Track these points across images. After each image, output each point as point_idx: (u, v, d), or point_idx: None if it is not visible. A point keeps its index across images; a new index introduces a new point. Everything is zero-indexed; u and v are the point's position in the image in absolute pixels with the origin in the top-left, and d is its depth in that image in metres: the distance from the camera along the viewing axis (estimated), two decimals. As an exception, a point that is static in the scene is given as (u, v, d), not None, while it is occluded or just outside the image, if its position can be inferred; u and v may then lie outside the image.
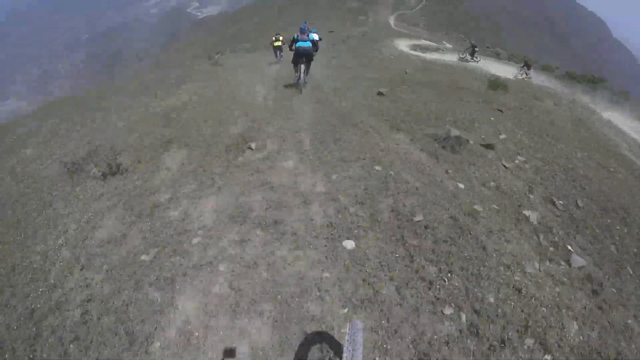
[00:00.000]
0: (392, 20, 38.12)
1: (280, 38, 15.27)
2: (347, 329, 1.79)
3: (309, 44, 8.34)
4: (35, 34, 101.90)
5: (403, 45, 21.90)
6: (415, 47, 21.48)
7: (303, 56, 8.46)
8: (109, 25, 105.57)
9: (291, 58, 8.84)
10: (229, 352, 2.48)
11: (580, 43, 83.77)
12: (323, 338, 2.53)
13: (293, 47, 8.47)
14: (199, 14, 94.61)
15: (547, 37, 72.45)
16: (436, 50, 22.14)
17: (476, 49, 20.51)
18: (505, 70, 18.72)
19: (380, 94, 8.95)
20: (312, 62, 8.99)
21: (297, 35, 8.35)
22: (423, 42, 24.30)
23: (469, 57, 20.34)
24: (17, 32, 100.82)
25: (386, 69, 13.87)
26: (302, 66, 8.69)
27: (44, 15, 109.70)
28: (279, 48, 15.37)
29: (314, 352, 2.43)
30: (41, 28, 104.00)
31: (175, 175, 4.72)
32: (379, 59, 16.62)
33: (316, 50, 9.27)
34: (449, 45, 26.62)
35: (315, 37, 10.92)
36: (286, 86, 9.48)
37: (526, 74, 18.20)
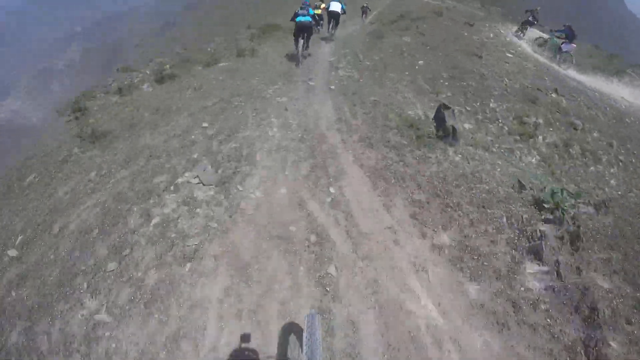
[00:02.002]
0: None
1: (322, 6, 13.97)
2: (305, 321, 1.63)
3: (308, 19, 9.20)
4: (31, 30, 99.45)
5: (518, 37, 14.87)
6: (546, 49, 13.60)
7: (303, 30, 9.26)
8: (103, 16, 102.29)
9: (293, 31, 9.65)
10: (245, 337, 2.45)
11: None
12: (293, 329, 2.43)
13: (296, 20, 9.28)
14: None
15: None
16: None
17: (532, 20, 14.85)
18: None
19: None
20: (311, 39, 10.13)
21: (298, 10, 9.25)
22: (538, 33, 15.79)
23: (520, 32, 14.97)
24: (12, 30, 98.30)
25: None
26: (302, 41, 9.46)
27: (38, 12, 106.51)
28: (320, 16, 14.09)
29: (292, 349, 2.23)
30: (36, 24, 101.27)
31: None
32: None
33: (344, 13, 12.79)
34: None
35: (337, 7, 12.50)
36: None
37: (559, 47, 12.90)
